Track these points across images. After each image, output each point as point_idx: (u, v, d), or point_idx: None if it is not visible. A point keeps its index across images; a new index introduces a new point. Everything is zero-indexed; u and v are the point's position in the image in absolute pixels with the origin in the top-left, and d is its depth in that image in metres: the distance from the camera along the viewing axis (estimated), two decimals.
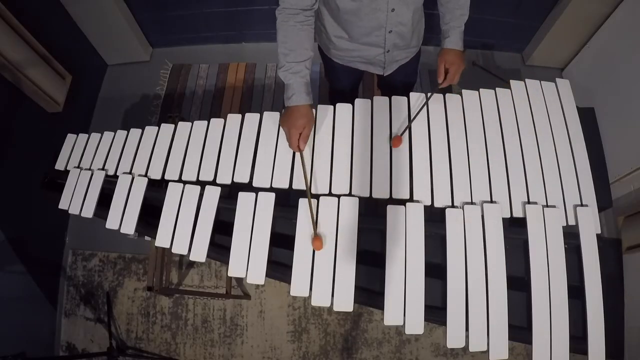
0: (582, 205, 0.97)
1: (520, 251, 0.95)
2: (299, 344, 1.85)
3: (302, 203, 0.96)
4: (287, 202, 1.00)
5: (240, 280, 1.93)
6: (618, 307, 0.94)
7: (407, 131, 1.04)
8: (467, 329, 0.85)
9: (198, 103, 2.33)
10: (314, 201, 0.95)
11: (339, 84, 1.50)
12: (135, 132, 1.16)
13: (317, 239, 0.90)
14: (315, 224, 0.92)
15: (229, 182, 1.03)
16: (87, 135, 1.20)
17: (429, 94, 1.09)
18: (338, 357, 1.83)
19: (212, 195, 1.00)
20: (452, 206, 0.96)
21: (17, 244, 1.73)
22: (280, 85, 2.32)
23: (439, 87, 1.11)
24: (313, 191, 0.98)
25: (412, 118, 1.06)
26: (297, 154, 1.01)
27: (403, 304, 0.87)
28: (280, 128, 1.06)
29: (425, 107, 1.07)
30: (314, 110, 1.04)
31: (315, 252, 0.91)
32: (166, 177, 1.07)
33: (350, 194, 0.98)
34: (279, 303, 1.89)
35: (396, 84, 1.39)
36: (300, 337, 1.85)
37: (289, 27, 0.98)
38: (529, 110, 1.09)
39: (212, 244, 0.98)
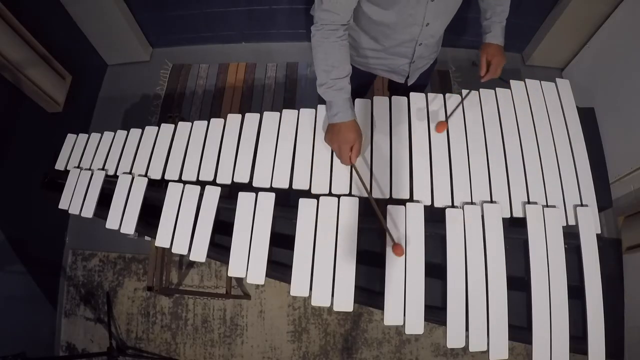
0: (582, 205, 0.97)
1: (520, 251, 0.95)
2: (299, 344, 1.85)
3: (303, 203, 0.96)
4: (287, 202, 1.00)
5: (240, 280, 1.93)
6: (618, 307, 0.94)
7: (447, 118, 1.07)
8: (467, 329, 0.85)
9: (198, 103, 2.33)
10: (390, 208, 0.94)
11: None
12: (135, 132, 1.16)
13: (397, 247, 0.89)
14: (389, 232, 0.90)
15: (229, 182, 1.03)
16: (87, 135, 1.20)
17: (464, 92, 1.10)
18: (338, 357, 1.83)
19: (212, 195, 1.00)
20: (452, 206, 0.96)
21: (17, 244, 1.73)
22: (280, 85, 2.32)
23: (481, 81, 1.12)
24: (314, 191, 0.98)
25: (455, 108, 1.08)
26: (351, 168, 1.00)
27: (403, 304, 0.87)
28: (283, 126, 1.07)
29: (462, 105, 1.09)
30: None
31: (316, 251, 0.91)
32: (166, 177, 1.07)
33: (350, 194, 0.98)
34: (279, 303, 1.89)
35: (408, 88, 1.37)
36: (300, 337, 1.85)
37: (330, 44, 0.95)
38: (529, 110, 1.09)
39: (212, 244, 0.98)
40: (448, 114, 1.07)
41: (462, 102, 1.08)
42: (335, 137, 0.98)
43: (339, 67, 0.96)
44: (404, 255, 0.90)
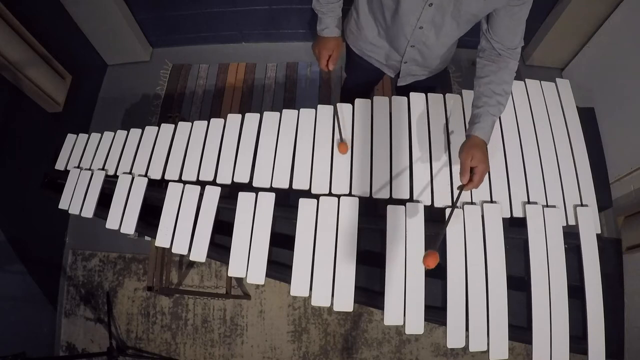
0: (582, 205, 0.97)
1: (520, 251, 0.95)
2: (299, 344, 1.85)
3: (303, 202, 0.96)
4: (287, 202, 1.00)
5: (240, 280, 1.93)
6: (618, 307, 0.94)
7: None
8: (467, 329, 0.85)
9: (198, 103, 2.33)
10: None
11: (355, 79, 1.48)
12: (135, 132, 1.16)
13: (342, 144, 1.02)
14: (340, 130, 1.04)
15: (229, 182, 1.03)
16: (87, 135, 1.21)
17: (448, 210, 0.92)
18: (338, 357, 1.83)
19: (212, 195, 1.00)
20: None
21: (17, 244, 1.73)
22: (280, 85, 2.32)
23: (459, 189, 0.88)
24: (314, 191, 0.99)
25: (444, 228, 0.83)
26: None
27: (403, 304, 0.87)
28: (283, 126, 1.08)
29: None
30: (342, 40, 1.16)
31: (316, 251, 0.91)
32: (166, 177, 1.07)
33: (350, 194, 0.98)
34: (279, 303, 1.89)
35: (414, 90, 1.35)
36: (300, 337, 1.85)
37: None
38: (529, 110, 1.09)
39: (212, 244, 0.98)
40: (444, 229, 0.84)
41: (449, 218, 0.86)
42: (318, 44, 1.15)
43: None
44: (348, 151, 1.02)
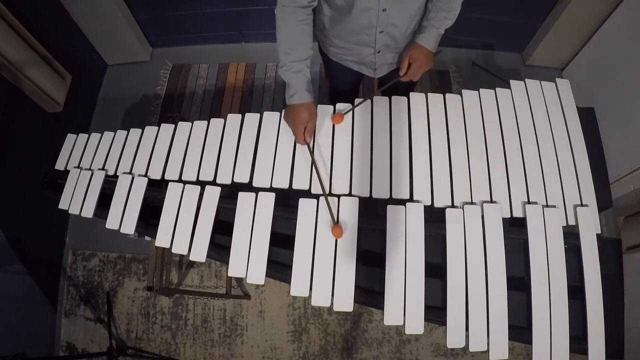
0: (582, 205, 0.97)
1: (520, 251, 0.95)
2: (299, 344, 1.85)
3: (303, 203, 0.96)
4: (287, 202, 1.00)
5: (240, 280, 1.93)
6: (618, 307, 0.94)
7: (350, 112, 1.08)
8: (467, 329, 0.85)
9: (198, 103, 2.33)
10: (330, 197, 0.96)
11: (338, 83, 1.49)
12: (135, 132, 1.16)
13: (336, 227, 0.91)
14: (332, 213, 0.93)
15: (229, 182, 1.03)
16: (87, 135, 1.21)
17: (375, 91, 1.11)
18: (338, 357, 1.83)
19: (212, 195, 1.00)
20: (452, 206, 0.96)
21: (17, 244, 1.73)
22: (280, 85, 2.32)
23: (399, 79, 1.12)
24: (313, 191, 0.98)
25: (355, 105, 1.09)
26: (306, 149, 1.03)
27: (403, 304, 0.87)
28: (282, 126, 1.07)
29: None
30: (315, 106, 1.05)
31: (316, 251, 0.91)
32: (166, 177, 1.07)
33: (350, 194, 0.98)
34: (279, 303, 1.89)
35: (396, 86, 1.38)
36: (300, 337, 1.85)
37: (289, 26, 0.98)
38: (529, 110, 1.09)
39: (212, 244, 0.98)
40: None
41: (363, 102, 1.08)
42: (290, 116, 1.02)
43: (297, 50, 0.99)
44: (342, 236, 0.92)
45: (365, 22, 1.06)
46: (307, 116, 0.99)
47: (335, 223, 0.92)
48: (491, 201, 0.97)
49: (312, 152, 1.02)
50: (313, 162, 1.00)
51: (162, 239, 0.99)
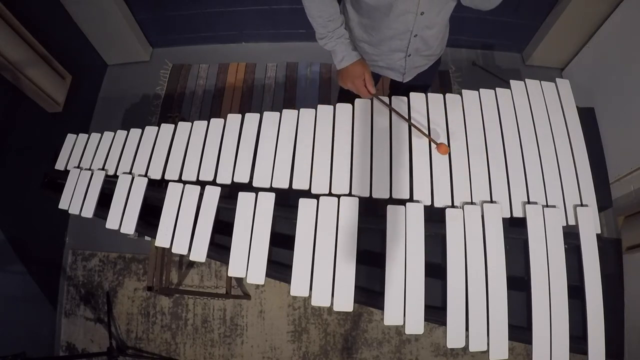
0: (582, 205, 0.97)
1: (520, 251, 0.95)
2: (299, 344, 1.85)
3: (303, 203, 0.96)
4: (287, 202, 1.00)
5: (240, 280, 1.93)
6: (618, 307, 0.94)
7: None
8: (467, 329, 0.85)
9: (198, 103, 2.33)
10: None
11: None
12: (135, 132, 1.16)
13: (441, 145, 0.97)
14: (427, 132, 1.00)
15: (229, 182, 1.03)
16: (87, 135, 1.20)
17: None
18: (338, 357, 1.83)
19: (212, 195, 1.00)
20: (452, 206, 0.96)
21: (17, 244, 1.73)
22: (280, 85, 2.32)
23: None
24: (314, 191, 0.99)
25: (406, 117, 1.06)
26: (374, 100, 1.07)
27: (403, 304, 0.87)
28: (283, 126, 1.07)
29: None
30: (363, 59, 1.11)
31: (316, 251, 0.91)
32: (166, 177, 1.07)
33: (350, 194, 0.98)
34: (279, 303, 1.89)
35: (410, 87, 1.36)
36: (300, 337, 1.85)
37: (320, 1, 1.03)
38: (529, 110, 1.09)
39: (212, 244, 0.98)
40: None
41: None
42: (347, 77, 1.09)
43: (334, 19, 1.05)
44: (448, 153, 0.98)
45: (401, 27, 1.05)
46: (361, 70, 1.07)
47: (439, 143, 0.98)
48: (491, 201, 0.97)
49: (381, 100, 1.06)
50: (387, 104, 1.05)
51: (162, 239, 0.99)
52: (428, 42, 1.14)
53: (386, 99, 1.08)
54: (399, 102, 1.10)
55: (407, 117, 1.05)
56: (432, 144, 1.01)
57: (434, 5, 1.00)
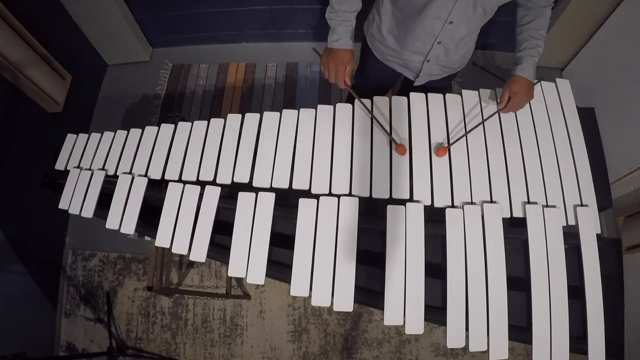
0: (582, 205, 0.97)
1: (520, 251, 0.95)
2: (299, 344, 1.85)
3: (303, 203, 0.96)
4: (287, 202, 1.00)
5: (240, 280, 1.93)
6: (618, 307, 0.94)
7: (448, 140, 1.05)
8: (467, 329, 0.85)
9: (198, 103, 2.33)
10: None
11: (366, 82, 1.44)
12: (135, 132, 1.16)
13: (399, 146, 1.00)
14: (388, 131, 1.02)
15: (229, 182, 1.03)
16: (87, 135, 1.20)
17: (483, 117, 1.07)
18: (338, 357, 1.83)
19: (212, 195, 1.00)
20: (452, 206, 0.96)
21: (17, 244, 1.73)
22: (280, 85, 2.32)
23: (497, 112, 1.06)
24: (314, 191, 0.99)
25: (467, 131, 1.04)
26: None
27: (403, 304, 0.87)
28: (282, 126, 1.08)
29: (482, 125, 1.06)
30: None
31: (316, 251, 0.91)
32: (166, 177, 1.07)
33: (350, 194, 0.98)
34: (279, 303, 1.89)
35: (431, 86, 1.33)
36: (300, 337, 1.85)
37: None
38: (529, 110, 1.09)
39: (212, 244, 0.98)
40: (451, 141, 1.03)
41: (482, 123, 1.05)
42: (332, 57, 1.07)
43: (351, 2, 1.05)
44: (407, 154, 1.00)
45: (428, 30, 1.06)
46: (349, 58, 1.07)
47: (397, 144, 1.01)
48: (491, 201, 0.97)
49: (354, 93, 1.08)
50: (359, 99, 1.07)
51: (162, 239, 0.99)
52: (449, 53, 1.14)
53: (353, 92, 1.09)
54: (399, 102, 1.10)
55: (370, 110, 1.08)
56: (392, 143, 1.03)
57: (465, 18, 1.01)
